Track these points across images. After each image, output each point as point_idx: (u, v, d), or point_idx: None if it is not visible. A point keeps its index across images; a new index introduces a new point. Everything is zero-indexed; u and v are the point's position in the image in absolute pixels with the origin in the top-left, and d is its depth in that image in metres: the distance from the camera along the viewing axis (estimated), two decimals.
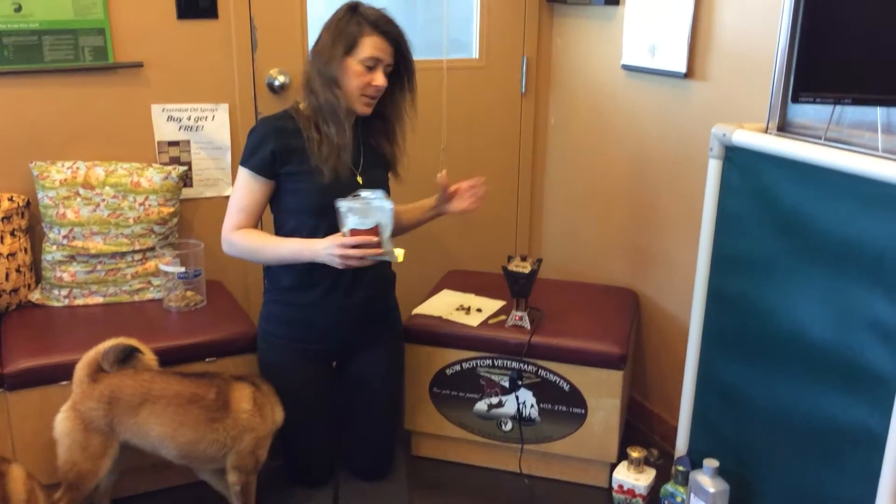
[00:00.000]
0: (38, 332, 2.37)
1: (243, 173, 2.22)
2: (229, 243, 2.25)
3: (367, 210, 2.06)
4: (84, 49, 2.52)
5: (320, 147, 2.16)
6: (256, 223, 2.26)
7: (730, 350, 2.21)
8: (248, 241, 2.21)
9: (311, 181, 2.17)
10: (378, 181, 2.30)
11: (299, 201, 2.21)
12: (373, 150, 2.32)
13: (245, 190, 2.21)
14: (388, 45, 2.16)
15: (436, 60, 3.04)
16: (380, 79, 2.15)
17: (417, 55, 3.04)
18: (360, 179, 2.25)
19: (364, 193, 2.10)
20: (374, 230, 2.07)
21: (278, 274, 2.29)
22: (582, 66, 3.06)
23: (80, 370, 2.10)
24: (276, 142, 2.17)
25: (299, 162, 2.18)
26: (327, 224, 2.16)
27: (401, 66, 2.22)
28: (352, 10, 2.16)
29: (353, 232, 2.08)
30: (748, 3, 2.28)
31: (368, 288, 2.32)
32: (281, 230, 2.27)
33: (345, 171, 2.19)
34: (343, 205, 2.06)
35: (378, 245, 2.08)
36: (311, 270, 2.22)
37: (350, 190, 2.15)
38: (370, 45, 2.13)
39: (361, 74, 2.13)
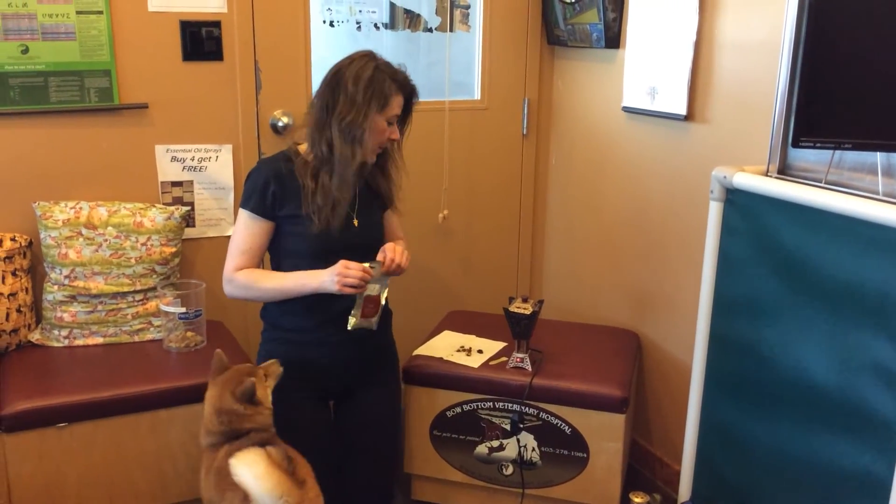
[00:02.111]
0: (37, 372, 2.36)
1: (244, 215, 2.21)
2: (231, 283, 2.22)
3: (376, 280, 2.16)
4: (90, 90, 2.55)
5: (314, 196, 2.16)
6: (258, 265, 2.25)
7: (732, 393, 2.19)
8: (251, 277, 2.20)
9: (306, 225, 2.17)
10: (374, 223, 2.31)
11: (295, 244, 2.21)
12: (368, 188, 2.32)
13: (246, 232, 2.21)
14: (403, 100, 2.21)
15: (438, 102, 3.07)
16: (396, 132, 2.20)
17: (420, 97, 3.09)
18: (355, 222, 2.24)
19: (375, 264, 2.15)
20: (377, 300, 2.20)
21: (276, 313, 2.28)
22: (583, 108, 3.08)
23: (291, 493, 1.77)
24: (275, 184, 2.17)
25: (296, 206, 2.18)
26: (322, 267, 2.15)
27: (403, 111, 2.25)
28: (378, 68, 2.14)
29: (367, 298, 2.16)
30: (748, 47, 2.30)
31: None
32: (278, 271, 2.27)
33: (339, 218, 2.18)
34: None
35: (374, 311, 2.20)
36: (310, 308, 2.21)
37: (346, 233, 2.18)
38: (396, 104, 2.17)
39: (383, 130, 2.17)
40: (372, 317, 2.20)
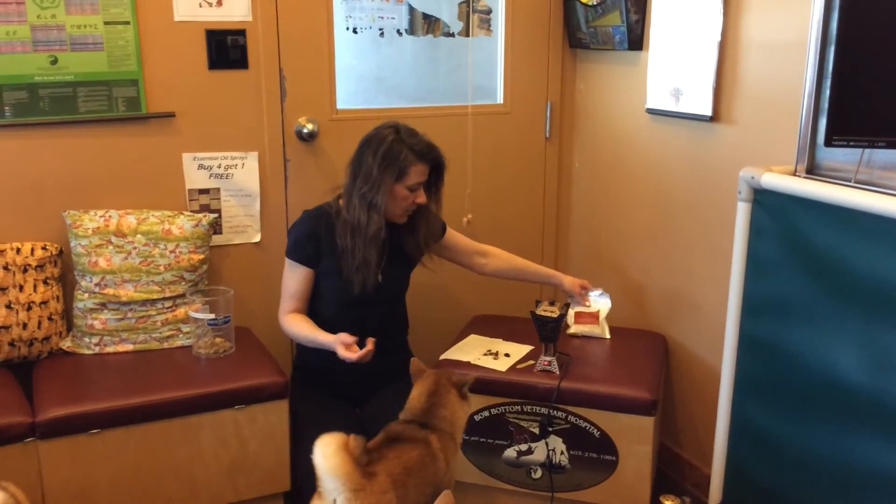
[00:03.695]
0: (69, 380, 2.38)
1: (289, 263, 2.45)
2: (282, 326, 2.47)
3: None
4: (118, 100, 2.58)
5: (349, 257, 2.36)
6: (307, 304, 2.47)
7: (763, 395, 2.18)
8: (294, 329, 2.43)
9: (337, 281, 2.40)
10: (398, 279, 2.53)
11: (326, 292, 2.44)
12: (397, 246, 2.49)
13: (292, 278, 2.44)
14: (428, 168, 2.37)
15: (461, 106, 3.07)
16: (422, 197, 2.37)
17: (443, 101, 3.11)
18: (379, 278, 2.43)
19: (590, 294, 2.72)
20: (596, 314, 2.74)
21: None
22: (606, 110, 3.08)
23: (350, 478, 1.79)
24: (314, 241, 2.40)
25: (329, 263, 2.40)
26: (346, 314, 2.41)
27: (432, 176, 2.41)
28: (397, 140, 2.31)
29: (578, 314, 2.72)
30: (773, 47, 2.29)
31: (379, 335, 2.40)
32: (310, 309, 2.50)
33: (370, 277, 2.38)
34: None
35: (595, 321, 2.74)
36: (336, 319, 2.40)
37: (374, 288, 2.40)
38: (416, 173, 2.33)
39: (406, 197, 2.35)
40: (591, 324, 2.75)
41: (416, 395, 2.16)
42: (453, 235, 2.66)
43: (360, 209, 2.32)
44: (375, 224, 2.32)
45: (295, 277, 2.44)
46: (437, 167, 2.41)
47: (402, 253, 2.51)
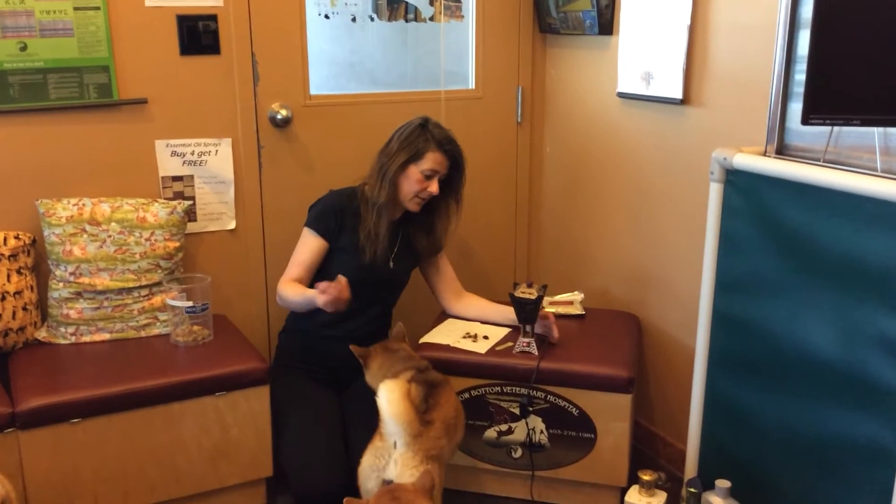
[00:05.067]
0: (46, 370, 2.36)
1: (306, 231, 2.54)
2: (278, 293, 2.52)
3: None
4: (89, 86, 2.55)
5: (365, 228, 2.50)
6: (311, 276, 2.53)
7: (737, 371, 2.24)
8: (287, 293, 2.47)
9: (352, 257, 2.51)
10: (405, 269, 2.68)
11: (337, 268, 2.47)
12: (409, 240, 2.64)
13: (304, 247, 2.54)
14: (446, 160, 2.51)
15: (434, 91, 3.09)
16: (434, 187, 2.50)
17: (415, 87, 3.12)
18: (391, 264, 2.59)
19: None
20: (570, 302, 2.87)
21: (297, 313, 2.56)
22: (577, 95, 3.11)
23: (412, 425, 1.96)
24: (338, 215, 2.53)
25: (348, 239, 2.52)
26: (355, 293, 2.34)
27: (453, 174, 2.57)
28: (422, 126, 2.50)
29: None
30: (742, 29, 2.34)
31: (372, 322, 2.63)
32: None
33: (382, 254, 2.52)
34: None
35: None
36: (320, 311, 2.40)
37: (383, 272, 2.56)
38: (432, 160, 2.48)
39: (420, 181, 2.48)
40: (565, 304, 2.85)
41: (406, 350, 2.38)
42: (445, 261, 2.76)
43: (376, 180, 2.49)
44: (386, 193, 2.47)
45: (308, 247, 2.52)
46: (455, 163, 2.54)
47: (413, 248, 2.64)
